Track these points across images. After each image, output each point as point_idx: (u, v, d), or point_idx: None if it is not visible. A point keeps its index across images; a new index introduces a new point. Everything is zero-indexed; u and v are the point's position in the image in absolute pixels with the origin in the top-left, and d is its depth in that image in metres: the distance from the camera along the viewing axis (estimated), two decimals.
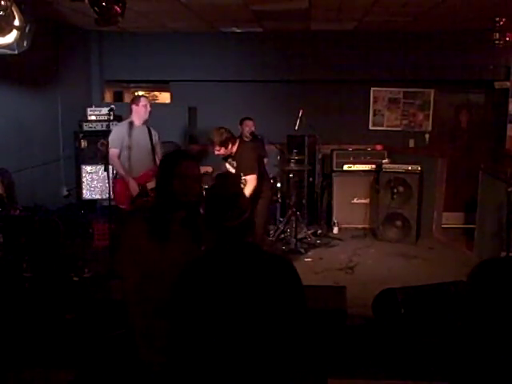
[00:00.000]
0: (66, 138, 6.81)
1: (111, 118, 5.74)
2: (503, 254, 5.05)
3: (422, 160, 6.77)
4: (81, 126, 6.82)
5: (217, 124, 6.78)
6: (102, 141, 6.59)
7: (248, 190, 4.75)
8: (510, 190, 4.93)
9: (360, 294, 4.54)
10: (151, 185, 5.20)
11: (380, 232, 6.75)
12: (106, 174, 5.10)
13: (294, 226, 6.30)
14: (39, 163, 6.14)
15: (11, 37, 4.16)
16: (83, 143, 6.81)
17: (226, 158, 5.08)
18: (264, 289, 1.87)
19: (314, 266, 5.74)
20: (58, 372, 3.45)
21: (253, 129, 6.53)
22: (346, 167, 7.23)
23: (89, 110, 6.93)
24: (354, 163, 7.22)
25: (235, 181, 2.08)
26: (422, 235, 6.82)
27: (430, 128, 7.77)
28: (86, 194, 6.80)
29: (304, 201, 6.99)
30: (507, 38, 5.24)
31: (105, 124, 6.22)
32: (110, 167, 5.23)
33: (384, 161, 6.94)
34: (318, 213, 7.19)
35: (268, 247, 5.38)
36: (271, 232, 6.51)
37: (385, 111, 7.80)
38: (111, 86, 8.34)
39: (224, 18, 6.37)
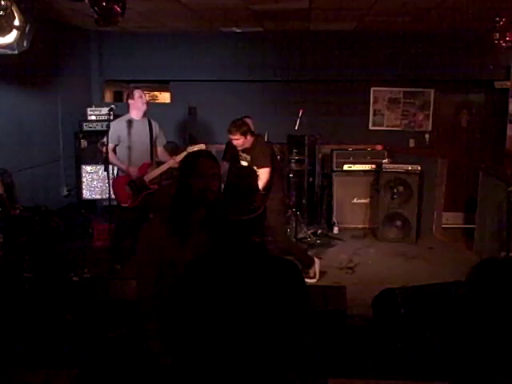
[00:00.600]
0: (65, 137, 6.81)
1: (111, 117, 5.73)
2: (503, 254, 5.05)
3: (422, 160, 6.77)
4: (81, 126, 6.82)
5: (217, 124, 6.82)
6: (101, 141, 6.60)
7: (261, 184, 4.82)
8: (510, 189, 4.93)
9: (360, 294, 4.54)
10: (148, 177, 5.23)
11: (380, 232, 6.75)
12: (105, 173, 5.11)
13: (293, 225, 6.30)
14: (39, 163, 6.14)
15: (11, 37, 4.16)
16: (83, 143, 6.80)
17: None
18: (265, 291, 1.83)
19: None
20: (58, 372, 3.45)
21: (252, 127, 6.52)
22: (346, 167, 7.22)
23: (89, 110, 6.93)
24: (354, 163, 7.22)
25: (254, 176, 2.05)
26: (421, 235, 6.82)
27: (430, 128, 7.76)
28: (86, 194, 6.80)
29: (304, 201, 6.99)
30: (507, 38, 5.24)
31: (105, 124, 6.19)
32: (110, 167, 5.23)
33: (384, 161, 6.93)
34: (318, 213, 7.20)
35: (289, 245, 5.40)
36: None
37: (385, 111, 7.80)
38: (111, 85, 8.34)
39: (224, 18, 6.37)
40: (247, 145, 5.01)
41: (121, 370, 3.32)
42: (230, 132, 4.95)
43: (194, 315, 1.86)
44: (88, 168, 6.78)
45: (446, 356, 3.18)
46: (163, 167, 5.31)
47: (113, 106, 5.99)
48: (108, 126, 5.13)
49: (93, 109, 6.94)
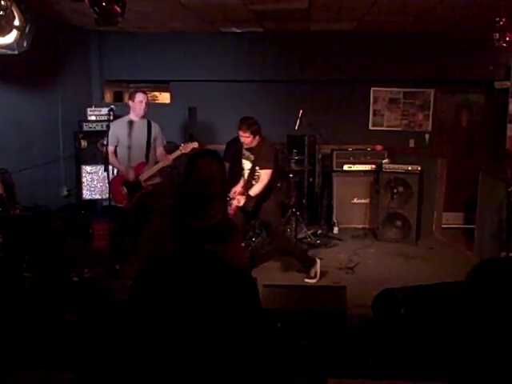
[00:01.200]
0: (65, 137, 6.81)
1: (111, 118, 5.73)
2: (503, 254, 5.05)
3: (422, 160, 6.77)
4: (81, 126, 6.82)
5: (217, 124, 6.82)
6: (101, 141, 6.60)
7: (262, 184, 4.87)
8: (510, 189, 4.93)
9: (360, 294, 4.54)
10: (143, 177, 5.23)
11: (380, 232, 6.75)
12: (105, 174, 5.10)
13: (293, 225, 6.29)
14: (39, 163, 6.15)
15: (11, 37, 4.16)
16: (83, 143, 6.80)
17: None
18: (211, 301, 1.82)
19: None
20: (58, 372, 3.45)
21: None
22: (346, 167, 7.22)
23: (89, 110, 6.93)
24: (354, 163, 7.22)
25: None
26: (422, 235, 6.82)
27: (430, 128, 7.77)
28: (86, 194, 6.80)
29: (304, 201, 6.98)
30: (507, 38, 5.24)
31: (105, 124, 6.21)
32: (110, 167, 5.23)
33: (384, 161, 6.93)
34: (318, 213, 7.19)
35: (289, 246, 5.43)
36: None
37: (385, 111, 7.80)
38: (111, 86, 8.34)
39: (224, 18, 6.37)
40: (253, 144, 5.03)
41: (120, 371, 3.32)
42: (240, 128, 4.95)
43: (144, 319, 1.85)
44: (88, 168, 6.78)
45: (445, 356, 3.18)
46: (157, 166, 5.31)
47: (113, 106, 5.98)
48: (108, 127, 5.13)
49: (93, 109, 6.94)
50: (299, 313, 3.66)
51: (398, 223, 6.67)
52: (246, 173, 5.18)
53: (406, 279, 4.97)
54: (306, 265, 5.30)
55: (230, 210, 5.01)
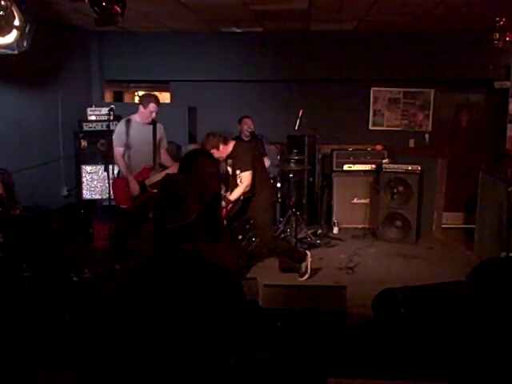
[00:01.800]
0: (65, 137, 6.81)
1: (111, 118, 5.74)
2: (503, 254, 5.05)
3: (422, 160, 6.76)
4: (81, 126, 6.82)
5: (217, 124, 6.81)
6: (101, 141, 6.60)
7: (241, 187, 4.86)
8: (510, 189, 4.93)
9: (360, 294, 4.54)
10: (150, 181, 5.21)
11: (380, 232, 6.75)
12: (105, 174, 5.10)
13: (293, 226, 6.29)
14: (39, 163, 6.14)
15: (11, 37, 4.16)
16: (83, 143, 6.80)
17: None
18: (196, 299, 1.81)
19: (314, 266, 5.73)
20: (58, 372, 3.45)
21: (252, 127, 6.53)
22: (346, 167, 7.22)
23: (89, 109, 6.92)
24: (354, 163, 7.22)
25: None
26: (421, 235, 6.82)
27: (430, 128, 7.77)
28: (86, 194, 6.79)
29: (304, 201, 6.98)
30: (507, 38, 5.24)
31: (105, 124, 6.21)
32: (110, 167, 5.22)
33: (384, 161, 6.93)
34: (318, 213, 7.19)
35: (275, 243, 5.42)
36: None
37: (385, 111, 7.80)
38: (111, 86, 8.34)
39: (224, 17, 6.37)
40: (226, 152, 4.98)
41: (120, 371, 3.31)
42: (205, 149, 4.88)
43: (128, 321, 1.84)
44: (88, 168, 6.77)
45: (445, 356, 3.18)
46: (164, 173, 5.30)
47: (113, 106, 5.99)
48: (108, 127, 5.13)
49: (93, 109, 6.93)
50: (299, 313, 3.66)
51: (398, 223, 6.67)
52: (231, 179, 5.17)
53: (406, 279, 4.97)
54: (297, 259, 5.27)
55: (225, 210, 5.03)
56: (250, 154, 5.04)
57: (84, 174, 6.78)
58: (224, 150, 4.94)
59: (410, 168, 6.61)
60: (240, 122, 6.61)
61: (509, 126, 6.92)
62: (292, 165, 6.51)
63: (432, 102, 7.72)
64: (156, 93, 9.15)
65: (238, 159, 4.96)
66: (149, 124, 5.26)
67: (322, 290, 4.17)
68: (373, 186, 7.05)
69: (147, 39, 7.51)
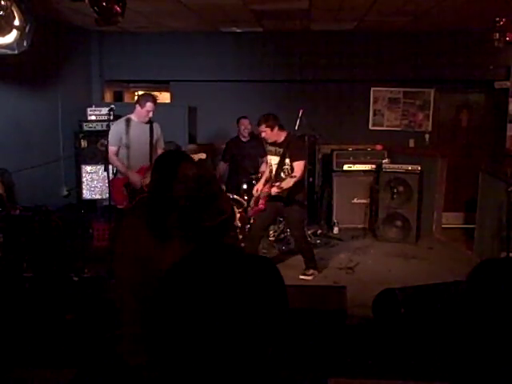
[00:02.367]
0: (65, 137, 6.81)
1: (111, 118, 5.73)
2: (503, 254, 5.05)
3: (422, 160, 6.77)
4: (81, 126, 6.81)
5: (217, 124, 6.82)
6: (101, 141, 6.59)
7: (296, 176, 5.00)
8: (510, 189, 4.93)
9: (360, 294, 4.54)
10: (145, 181, 5.20)
11: (380, 232, 6.75)
12: (105, 173, 5.09)
13: None
14: (39, 163, 6.14)
15: (11, 37, 4.16)
16: (83, 143, 6.80)
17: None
18: (245, 290, 1.85)
19: None
20: (58, 372, 3.45)
21: (249, 127, 6.56)
22: (346, 167, 7.23)
23: (89, 109, 6.92)
24: (354, 163, 7.22)
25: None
26: (421, 235, 6.82)
27: (430, 128, 7.76)
28: (86, 194, 6.79)
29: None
30: (507, 38, 5.24)
31: (105, 124, 6.20)
32: (110, 167, 5.22)
33: (384, 161, 6.94)
34: (318, 213, 7.19)
35: (305, 242, 5.51)
36: (271, 232, 6.51)
37: (385, 111, 7.80)
38: (111, 86, 8.34)
39: (224, 18, 6.37)
40: (276, 138, 5.14)
41: (120, 370, 3.32)
42: (258, 125, 5.18)
43: (177, 319, 1.87)
44: (88, 168, 6.77)
45: (445, 356, 3.18)
46: None
47: (113, 105, 5.98)
48: (108, 126, 5.12)
49: (93, 109, 6.93)
50: (299, 312, 3.66)
51: (398, 223, 6.67)
52: (274, 167, 5.21)
53: (406, 279, 4.97)
54: (310, 265, 5.38)
55: (260, 205, 5.12)
56: (304, 146, 5.25)
57: (84, 174, 6.78)
58: (275, 134, 5.13)
59: (410, 168, 6.61)
60: (237, 122, 6.63)
61: (509, 125, 6.92)
62: None
63: (432, 102, 7.72)
64: (156, 93, 9.18)
65: (292, 148, 5.10)
66: (146, 123, 5.28)
67: (322, 290, 4.18)
68: (373, 185, 7.05)
69: (147, 39, 7.51)
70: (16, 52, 4.35)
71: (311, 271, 5.35)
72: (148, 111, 5.20)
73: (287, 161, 5.08)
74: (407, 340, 3.75)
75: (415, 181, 6.59)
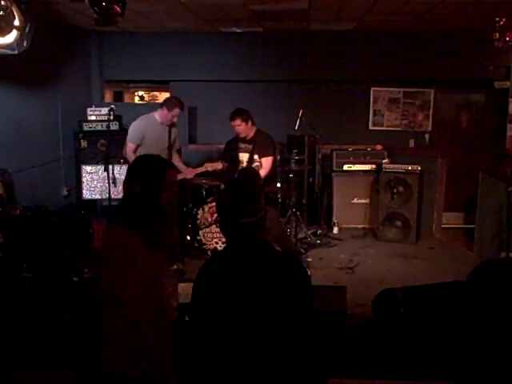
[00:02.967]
0: (65, 138, 6.81)
1: (111, 117, 5.74)
2: (503, 254, 5.05)
3: (422, 160, 6.76)
4: (81, 126, 6.81)
5: (217, 124, 6.82)
6: (101, 141, 6.59)
7: (264, 172, 4.93)
8: (510, 189, 4.93)
9: (360, 294, 4.54)
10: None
11: (380, 232, 6.75)
12: (105, 173, 5.09)
13: (293, 226, 6.29)
14: (39, 163, 6.14)
15: (11, 37, 4.16)
16: (83, 143, 6.80)
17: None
18: (277, 285, 1.93)
19: (313, 266, 5.73)
20: (58, 372, 3.45)
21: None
22: (345, 167, 7.22)
23: (89, 110, 6.92)
24: (354, 163, 7.22)
25: (258, 181, 2.18)
26: (421, 235, 6.82)
27: (430, 128, 7.76)
28: (86, 194, 6.78)
29: (304, 201, 6.98)
30: (507, 38, 5.24)
31: (105, 124, 6.21)
32: (110, 167, 5.22)
33: (384, 161, 6.94)
34: (318, 213, 7.19)
35: (288, 243, 5.49)
36: None
37: (385, 111, 7.80)
38: (111, 85, 8.34)
39: (224, 17, 6.37)
40: (248, 133, 5.16)
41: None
42: (231, 119, 5.18)
43: (212, 311, 1.93)
44: (88, 168, 6.76)
45: (446, 356, 3.19)
46: (179, 176, 5.39)
47: (113, 106, 5.99)
48: (108, 126, 5.12)
49: (93, 109, 6.93)
50: None
51: (398, 223, 6.67)
52: (245, 165, 5.23)
53: (406, 279, 4.97)
54: None
55: None
56: (272, 142, 5.24)
57: (84, 174, 6.77)
58: (249, 129, 5.18)
59: (409, 168, 6.61)
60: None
61: (509, 126, 6.92)
62: (292, 165, 6.51)
63: (432, 101, 7.71)
64: (156, 93, 9.21)
65: (260, 144, 5.15)
66: (167, 125, 5.31)
67: (322, 290, 4.18)
68: (373, 185, 7.05)
69: (147, 39, 7.51)
70: (16, 52, 4.36)
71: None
72: (174, 116, 5.25)
73: (256, 157, 5.11)
74: (407, 340, 3.75)
75: (415, 181, 6.59)
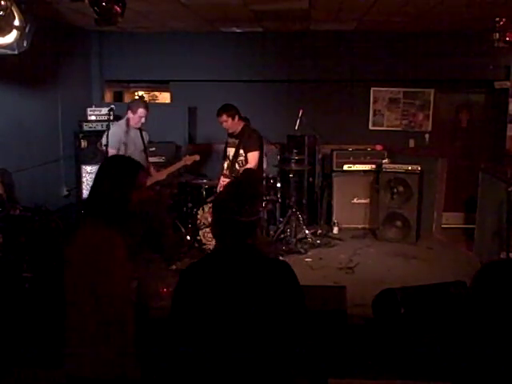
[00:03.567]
0: (66, 137, 6.81)
1: (111, 118, 5.73)
2: (503, 254, 5.05)
3: (422, 160, 6.77)
4: (81, 126, 6.82)
5: (217, 124, 6.80)
6: (101, 141, 6.58)
7: (250, 166, 4.96)
8: (510, 189, 4.93)
9: (360, 294, 4.54)
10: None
11: (380, 232, 6.75)
12: None
13: (293, 226, 6.29)
14: (39, 163, 6.14)
15: (11, 37, 4.15)
16: (83, 143, 6.80)
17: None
18: (264, 290, 1.88)
19: (313, 266, 5.74)
20: (58, 372, 3.45)
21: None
22: (345, 167, 7.23)
23: (89, 110, 6.92)
24: (354, 163, 7.22)
25: (259, 181, 2.19)
26: (421, 235, 6.82)
27: (429, 128, 7.76)
28: (86, 194, 6.79)
29: (304, 201, 6.99)
30: (507, 38, 5.23)
31: (105, 124, 6.19)
32: None
33: (384, 161, 6.94)
34: (318, 213, 7.19)
35: (266, 246, 5.47)
36: (271, 232, 6.50)
37: (385, 111, 7.80)
38: (111, 86, 8.33)
39: (224, 18, 6.37)
40: (236, 128, 5.23)
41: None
42: (217, 114, 5.29)
43: (194, 315, 1.89)
44: (88, 168, 6.77)
45: (446, 356, 3.18)
46: (166, 171, 5.40)
47: (113, 106, 5.98)
48: (108, 127, 5.12)
49: (93, 109, 6.93)
50: None
51: (398, 223, 6.67)
52: (231, 159, 5.28)
53: (406, 279, 4.97)
54: None
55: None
56: (259, 136, 5.27)
57: (84, 174, 6.78)
58: (236, 124, 5.25)
59: (409, 168, 6.61)
60: None
61: (509, 126, 6.91)
62: (292, 165, 6.51)
63: (432, 102, 7.71)
64: (156, 93, 9.20)
65: (247, 139, 5.18)
66: (137, 129, 5.30)
67: (322, 290, 4.18)
68: (373, 185, 7.05)
69: (147, 39, 7.51)
70: (16, 52, 4.35)
71: None
72: (140, 117, 5.20)
73: (241, 152, 5.13)
74: (407, 340, 3.75)
75: (415, 181, 6.59)
